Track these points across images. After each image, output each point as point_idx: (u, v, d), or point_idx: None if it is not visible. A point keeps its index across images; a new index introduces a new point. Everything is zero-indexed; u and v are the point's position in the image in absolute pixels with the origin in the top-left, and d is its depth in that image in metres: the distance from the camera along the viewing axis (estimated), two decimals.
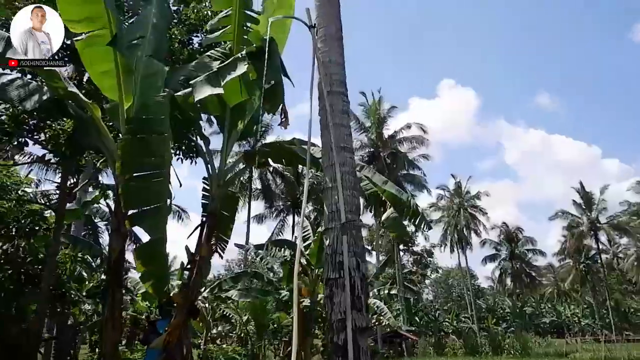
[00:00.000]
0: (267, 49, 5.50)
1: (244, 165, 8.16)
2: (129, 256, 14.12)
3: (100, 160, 9.72)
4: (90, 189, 13.97)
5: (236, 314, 21.21)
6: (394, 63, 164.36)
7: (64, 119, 7.71)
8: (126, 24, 7.98)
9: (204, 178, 8.29)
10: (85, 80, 8.77)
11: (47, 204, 12.16)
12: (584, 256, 51.39)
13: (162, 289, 4.93)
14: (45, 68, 5.13)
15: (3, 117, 8.23)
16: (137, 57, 5.88)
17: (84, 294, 15.89)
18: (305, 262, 16.49)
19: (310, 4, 6.19)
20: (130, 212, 4.86)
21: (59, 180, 10.09)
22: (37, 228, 9.64)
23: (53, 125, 8.74)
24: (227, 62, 6.02)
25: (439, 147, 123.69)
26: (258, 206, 37.75)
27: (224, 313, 21.31)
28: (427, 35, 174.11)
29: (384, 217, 8.08)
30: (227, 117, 7.29)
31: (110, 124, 7.06)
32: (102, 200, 12.74)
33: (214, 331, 23.42)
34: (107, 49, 5.53)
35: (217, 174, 7.65)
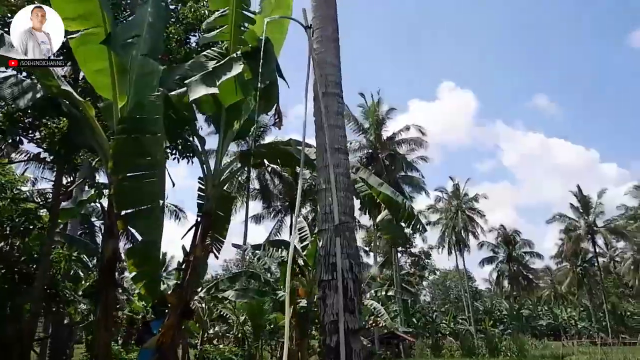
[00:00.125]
0: (262, 49, 5.49)
1: (240, 166, 8.13)
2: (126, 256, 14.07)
3: (96, 159, 9.68)
4: (87, 188, 13.93)
5: (233, 314, 21.18)
6: (394, 65, 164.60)
7: (60, 117, 7.68)
8: (124, 21, 7.98)
9: (200, 178, 8.27)
10: (81, 78, 8.75)
11: (43, 202, 12.12)
12: (581, 259, 51.47)
13: (154, 290, 4.90)
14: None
15: None
16: (132, 56, 5.85)
17: (80, 293, 15.84)
18: (303, 263, 16.45)
19: (308, 5, 6.20)
20: (123, 212, 4.83)
21: (55, 179, 10.06)
22: (31, 227, 9.62)
23: (48, 123, 8.72)
24: (222, 62, 6.00)
25: (438, 149, 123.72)
26: (256, 206, 37.73)
27: (221, 313, 21.28)
28: (426, 37, 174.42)
29: (378, 219, 8.09)
30: (223, 117, 7.26)
31: (105, 123, 7.03)
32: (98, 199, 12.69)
33: (211, 331, 23.39)
34: (102, 47, 5.50)
35: (213, 174, 7.63)
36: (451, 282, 67.00)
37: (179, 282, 7.16)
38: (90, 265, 17.54)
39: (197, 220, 7.59)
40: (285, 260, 19.50)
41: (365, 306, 21.90)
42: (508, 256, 51.46)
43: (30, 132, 8.76)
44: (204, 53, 7.26)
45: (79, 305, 16.76)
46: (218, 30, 6.89)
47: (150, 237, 4.72)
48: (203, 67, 6.38)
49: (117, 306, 17.60)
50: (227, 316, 21.44)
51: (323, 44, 5.82)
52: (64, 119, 7.63)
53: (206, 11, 8.55)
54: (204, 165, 7.75)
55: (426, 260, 49.11)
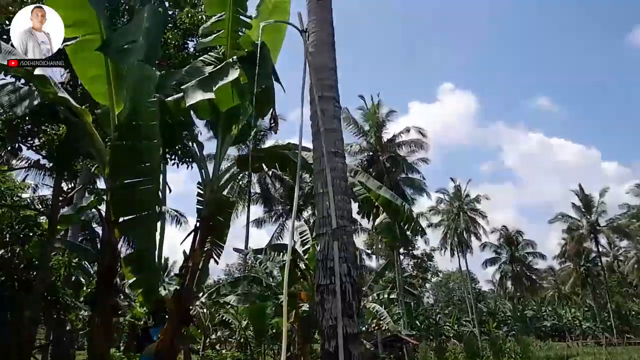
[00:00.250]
0: (258, 54, 5.49)
1: (238, 170, 8.13)
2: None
3: (95, 166, 9.69)
4: (87, 194, 13.94)
5: (235, 319, 21.12)
6: (393, 67, 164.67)
7: (58, 124, 7.69)
8: (122, 27, 7.98)
9: (199, 183, 8.27)
10: (79, 84, 8.76)
11: (44, 209, 12.13)
12: (584, 259, 51.22)
13: (152, 296, 4.89)
14: (36, 73, 5.10)
15: None
16: (128, 62, 5.85)
17: (81, 299, 15.82)
18: (304, 267, 16.40)
19: (305, 10, 6.19)
20: (120, 219, 4.82)
21: (54, 186, 10.06)
22: (31, 234, 9.62)
23: (47, 130, 8.74)
24: (218, 67, 6.01)
25: (439, 151, 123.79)
26: (257, 210, 37.76)
27: (223, 318, 21.22)
28: (424, 39, 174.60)
29: (377, 222, 8.05)
30: (221, 122, 7.27)
31: (103, 129, 7.03)
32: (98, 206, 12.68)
33: (213, 337, 23.33)
34: (98, 54, 5.51)
35: (211, 179, 7.63)
36: (454, 284, 66.79)
37: (178, 287, 7.14)
38: (92, 272, 17.52)
39: (195, 225, 7.59)
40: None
41: (368, 309, 21.83)
42: (511, 257, 51.26)
43: (30, 139, 8.78)
44: (201, 58, 7.27)
45: (80, 312, 16.74)
46: (215, 35, 6.89)
47: (146, 244, 4.71)
48: (200, 72, 6.38)
49: (119, 312, 17.58)
50: (229, 321, 21.39)
51: (319, 48, 5.82)
52: (63, 125, 7.64)
53: (203, 16, 8.56)
54: (203, 171, 7.76)
55: (428, 262, 48.97)
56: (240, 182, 32.95)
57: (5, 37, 7.27)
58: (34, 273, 9.23)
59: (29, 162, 14.40)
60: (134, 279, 4.78)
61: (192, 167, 10.21)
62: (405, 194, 33.80)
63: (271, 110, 5.95)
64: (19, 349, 7.79)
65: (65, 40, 5.52)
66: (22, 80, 6.92)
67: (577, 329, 53.09)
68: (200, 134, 10.83)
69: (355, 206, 8.50)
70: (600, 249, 49.67)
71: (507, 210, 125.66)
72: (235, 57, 5.95)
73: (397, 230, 8.49)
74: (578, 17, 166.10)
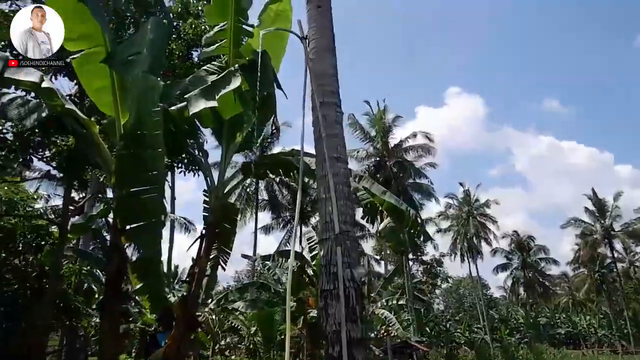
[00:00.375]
0: (259, 61, 5.60)
1: (243, 177, 8.23)
2: None
3: (104, 175, 9.87)
4: (97, 203, 14.15)
5: (244, 325, 21.16)
6: (399, 72, 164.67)
7: (67, 135, 7.88)
8: (127, 39, 8.15)
9: (204, 190, 8.37)
10: (87, 96, 8.96)
11: (56, 218, 12.34)
12: (598, 265, 50.36)
13: (158, 302, 4.97)
14: (42, 86, 5.24)
15: (8, 135, 8.46)
16: (133, 73, 5.99)
17: (93, 307, 15.99)
18: (312, 273, 16.41)
19: (305, 17, 6.29)
20: (126, 227, 4.92)
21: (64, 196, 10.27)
22: (43, 243, 9.80)
23: (57, 141, 8.93)
24: (221, 75, 6.12)
25: (447, 156, 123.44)
26: (265, 217, 37.89)
27: (233, 324, 21.29)
28: (429, 43, 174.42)
29: (381, 226, 8.07)
30: (224, 130, 7.38)
31: (111, 140, 7.17)
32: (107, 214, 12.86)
33: (223, 343, 23.37)
34: (103, 66, 5.66)
35: (216, 186, 7.72)
36: (465, 290, 66.15)
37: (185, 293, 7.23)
38: (103, 280, 17.70)
39: (201, 232, 7.69)
40: (294, 270, 19.49)
41: (377, 315, 21.72)
42: (523, 263, 50.65)
43: (40, 150, 8.99)
44: (205, 67, 7.40)
45: (92, 319, 16.92)
46: (217, 45, 7.02)
47: (151, 251, 4.80)
48: (203, 82, 6.50)
49: (130, 319, 17.72)
50: (239, 327, 21.45)
51: (319, 54, 5.91)
52: (71, 137, 7.81)
53: (206, 27, 8.72)
54: (208, 178, 7.87)
55: (438, 268, 48.61)
56: (248, 190, 33.20)
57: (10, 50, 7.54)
58: (46, 281, 9.39)
59: (40, 173, 14.68)
60: (140, 285, 4.87)
61: (199, 175, 10.37)
62: (413, 199, 33.72)
63: (273, 117, 6.03)
64: (31, 356, 7.92)
65: (71, 53, 5.68)
66: (32, 94, 7.13)
67: (593, 337, 52.14)
68: (207, 142, 11.01)
69: (360, 212, 8.52)
70: (616, 255, 48.92)
71: (517, 214, 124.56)
72: (237, 65, 6.05)
73: (402, 234, 8.49)
74: (587, 16, 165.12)
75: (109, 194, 14.02)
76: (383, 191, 8.28)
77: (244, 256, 22.67)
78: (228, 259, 9.31)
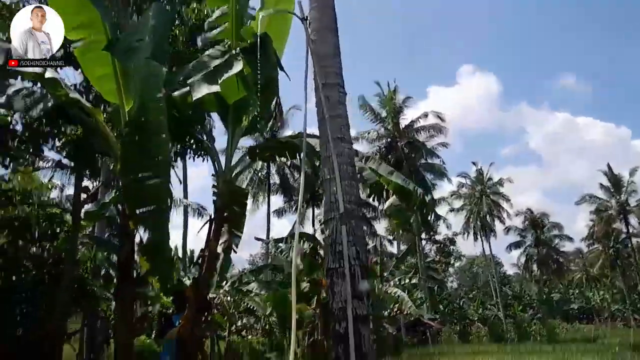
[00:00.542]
0: (258, 44, 5.58)
1: (250, 161, 8.30)
2: None
3: (113, 163, 10.02)
4: (110, 191, 14.38)
5: (260, 307, 21.54)
6: (409, 52, 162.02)
7: (74, 124, 7.99)
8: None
9: (212, 175, 8.47)
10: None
11: (68, 207, 12.58)
12: (613, 240, 49.91)
13: (167, 284, 5.13)
14: (46, 76, 5.32)
15: (18, 126, 8.61)
16: (135, 59, 6.02)
17: (112, 291, 16.39)
18: (324, 254, 16.59)
19: None
20: (133, 212, 5.03)
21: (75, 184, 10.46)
22: (58, 231, 10.05)
23: (66, 131, 9.07)
24: (223, 59, 6.13)
25: (460, 135, 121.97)
26: (278, 200, 38.19)
27: (248, 306, 21.69)
28: (440, 21, 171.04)
29: (386, 205, 8.10)
30: (229, 114, 7.41)
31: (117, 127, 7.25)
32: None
33: (239, 323, 23.86)
34: (105, 53, 5.70)
35: (224, 170, 7.81)
36: (478, 268, 66.20)
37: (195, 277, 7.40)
38: None
39: (210, 216, 7.81)
40: (306, 252, 19.73)
41: (389, 294, 21.96)
42: (536, 240, 50.44)
43: (50, 140, 9.13)
44: (207, 52, 7.37)
45: (111, 303, 17.37)
46: (220, 29, 7.01)
47: (159, 235, 4.91)
48: (206, 67, 6.50)
49: (148, 302, 18.15)
50: (254, 309, 21.85)
51: (321, 35, 5.86)
52: (79, 125, 7.92)
53: (209, 11, 8.68)
54: (215, 163, 7.96)
55: (451, 247, 48.67)
56: (260, 174, 33.39)
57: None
58: (63, 267, 9.64)
59: (52, 162, 14.91)
60: (150, 267, 5.01)
61: (207, 160, 10.46)
62: (425, 180, 33.63)
63: (275, 100, 6.04)
64: (50, 340, 8.21)
65: (72, 42, 5.73)
66: (39, 84, 7.22)
67: (606, 312, 51.99)
68: (215, 127, 11.09)
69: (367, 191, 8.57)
70: (631, 230, 48.43)
71: (532, 193, 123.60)
72: (238, 48, 6.05)
73: (410, 213, 8.52)
74: None
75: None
76: (390, 171, 8.29)
77: (258, 239, 23.07)
78: (239, 242, 9.46)
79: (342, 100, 5.93)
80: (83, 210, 10.89)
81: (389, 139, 34.55)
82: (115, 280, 18.47)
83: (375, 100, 35.49)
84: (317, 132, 6.32)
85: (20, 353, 8.56)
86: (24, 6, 6.87)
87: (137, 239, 6.45)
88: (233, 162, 8.08)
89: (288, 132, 30.41)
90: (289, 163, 31.66)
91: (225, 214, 8.01)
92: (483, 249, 46.09)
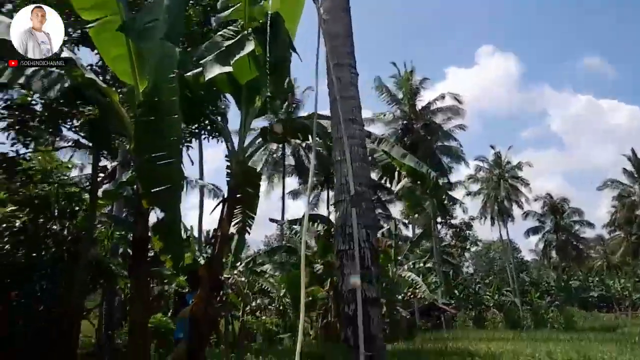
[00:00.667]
0: (271, 24, 5.53)
1: (262, 142, 8.30)
2: None
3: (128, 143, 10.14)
4: (128, 170, 14.61)
5: (274, 288, 21.86)
6: (428, 33, 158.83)
7: (91, 104, 8.10)
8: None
9: (226, 156, 8.52)
10: None
11: (87, 186, 12.84)
12: (635, 227, 48.83)
13: (179, 263, 5.21)
14: (62, 56, 5.37)
15: (37, 107, 8.77)
16: (149, 40, 6.04)
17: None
18: (334, 236, 16.64)
19: None
20: (146, 191, 5.10)
21: (99, 164, 10.66)
22: (77, 209, 10.28)
23: (84, 111, 9.20)
24: (235, 39, 6.10)
25: (478, 118, 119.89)
26: (293, 182, 38.32)
27: (263, 287, 22.02)
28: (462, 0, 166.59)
29: (398, 187, 8.04)
30: (242, 95, 7.40)
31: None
32: None
33: (254, 304, 24.27)
34: (119, 34, 5.72)
35: (237, 151, 7.84)
36: (495, 253, 65.70)
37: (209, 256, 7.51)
38: None
39: (223, 196, 7.88)
40: (321, 233, 19.85)
41: (403, 278, 22.00)
42: (555, 225, 49.70)
43: (68, 120, 9.29)
44: (220, 33, 7.36)
45: (129, 281, 17.79)
46: (232, 9, 6.95)
47: (171, 214, 4.98)
48: (218, 47, 6.49)
49: (165, 281, 18.56)
50: (268, 289, 22.17)
51: (333, 14, 5.77)
52: (96, 106, 8.03)
53: None
54: (228, 143, 7.99)
55: (467, 232, 48.30)
56: (275, 156, 33.48)
57: None
58: (80, 245, 9.88)
59: (71, 142, 15.16)
60: (162, 246, 5.10)
61: (220, 140, 10.51)
62: (441, 163, 33.29)
63: (287, 80, 6.00)
64: (69, 317, 8.47)
65: (86, 23, 5.76)
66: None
67: (627, 300, 51.21)
68: (229, 108, 11.11)
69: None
70: None
71: (553, 177, 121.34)
72: (250, 29, 6.00)
73: (420, 195, 8.47)
74: None
75: None
76: (403, 154, 8.21)
77: (272, 220, 23.22)
78: (252, 223, 9.55)
79: (353, 82, 5.86)
80: (101, 190, 11.12)
81: (405, 121, 34.17)
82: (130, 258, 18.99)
83: (391, 81, 35.05)
84: (326, 114, 6.28)
85: (41, 329, 8.89)
86: None
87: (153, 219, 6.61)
88: (246, 143, 8.10)
89: (303, 114, 30.35)
90: (304, 145, 31.65)
91: (239, 195, 8.07)
92: (500, 234, 45.74)
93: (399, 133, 33.07)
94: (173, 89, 5.28)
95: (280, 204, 35.35)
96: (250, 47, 5.81)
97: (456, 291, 39.92)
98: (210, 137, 10.57)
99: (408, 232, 40.77)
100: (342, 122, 5.47)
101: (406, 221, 40.16)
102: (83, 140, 11.47)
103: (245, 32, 6.01)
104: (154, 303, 17.67)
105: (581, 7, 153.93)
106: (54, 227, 9.94)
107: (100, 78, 7.98)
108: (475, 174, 45.13)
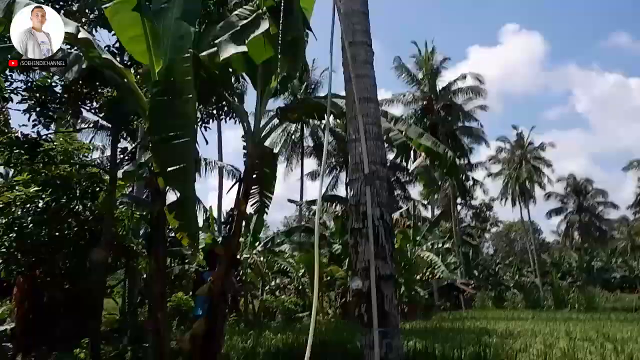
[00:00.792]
0: (286, 3, 5.46)
1: (279, 122, 8.29)
2: None
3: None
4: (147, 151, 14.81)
5: (292, 267, 22.13)
6: (451, 11, 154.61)
7: (109, 85, 8.20)
8: None
9: (242, 136, 8.55)
10: None
11: (107, 167, 13.09)
12: None
13: (194, 240, 5.31)
14: (79, 37, 5.41)
15: (57, 88, 8.91)
16: (165, 20, 6.04)
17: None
18: (348, 214, 16.69)
19: None
20: (160, 171, 5.18)
21: (119, 145, 10.84)
22: (98, 190, 10.51)
23: (103, 92, 9.31)
24: (250, 18, 6.05)
25: (501, 98, 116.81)
26: (311, 163, 38.37)
27: (282, 267, 22.33)
28: None
29: (413, 165, 7.95)
30: (258, 75, 7.38)
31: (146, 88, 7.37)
32: None
33: (273, 283, 24.65)
34: (135, 14, 5.73)
35: (252, 131, 7.86)
36: (516, 234, 64.97)
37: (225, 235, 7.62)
38: None
39: (239, 176, 7.94)
40: (339, 214, 19.92)
41: (422, 258, 22.01)
42: (578, 207, 48.82)
43: (88, 101, 9.43)
44: (236, 12, 7.30)
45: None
46: None
47: (185, 193, 5.06)
48: (234, 27, 6.45)
49: (186, 260, 18.96)
50: (287, 269, 22.46)
51: None
52: (114, 87, 8.12)
53: None
54: (244, 124, 8.01)
55: (488, 212, 47.81)
56: (293, 137, 33.47)
57: None
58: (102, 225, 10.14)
59: (91, 124, 15.41)
60: (178, 225, 5.20)
61: (237, 121, 10.53)
62: (462, 144, 32.81)
63: (302, 60, 5.94)
64: (92, 294, 8.76)
65: (103, 3, 5.77)
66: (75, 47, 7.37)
67: None
68: (247, 88, 11.11)
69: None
70: None
71: (577, 158, 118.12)
72: (265, 8, 5.94)
73: (435, 173, 8.37)
74: None
75: None
76: (420, 134, 8.10)
77: (291, 201, 23.44)
78: (270, 203, 9.61)
79: (369, 60, 5.76)
80: (121, 171, 11.32)
81: (425, 102, 33.67)
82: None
83: (412, 62, 34.44)
84: (342, 94, 6.21)
85: (67, 304, 9.22)
86: None
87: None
88: (262, 123, 8.11)
89: (322, 94, 30.14)
90: (322, 126, 31.50)
91: (255, 175, 8.13)
92: (521, 215, 45.12)
93: (419, 114, 32.63)
94: (187, 69, 5.30)
95: (299, 185, 35.50)
96: (265, 26, 5.77)
97: (475, 271, 39.75)
98: (227, 118, 10.62)
99: (427, 213, 40.60)
100: (357, 100, 5.42)
101: (425, 202, 39.95)
102: (103, 122, 11.66)
103: (260, 11, 5.94)
104: (175, 282, 18.10)
105: None
106: (76, 207, 10.19)
107: (118, 60, 8.04)
108: (497, 154, 44.47)
